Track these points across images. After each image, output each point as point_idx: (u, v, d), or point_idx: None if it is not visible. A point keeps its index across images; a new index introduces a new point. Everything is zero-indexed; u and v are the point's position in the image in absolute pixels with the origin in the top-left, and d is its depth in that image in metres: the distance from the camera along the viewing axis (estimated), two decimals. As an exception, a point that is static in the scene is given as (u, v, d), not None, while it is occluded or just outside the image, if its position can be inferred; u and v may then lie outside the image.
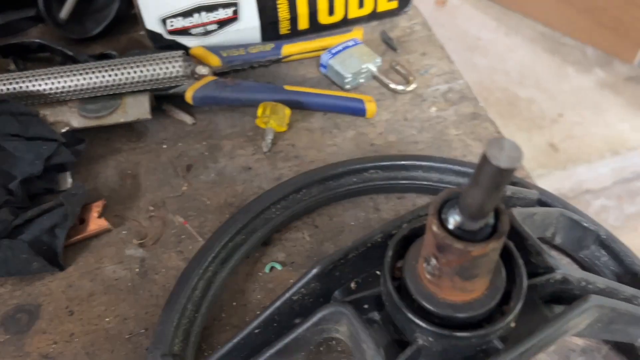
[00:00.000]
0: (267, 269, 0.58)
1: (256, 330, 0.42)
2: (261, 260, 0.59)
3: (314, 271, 0.39)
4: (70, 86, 0.65)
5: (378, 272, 0.42)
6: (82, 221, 0.61)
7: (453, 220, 0.32)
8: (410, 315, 0.35)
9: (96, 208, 0.62)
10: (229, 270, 0.56)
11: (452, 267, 0.33)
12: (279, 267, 0.58)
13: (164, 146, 0.68)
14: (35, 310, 0.56)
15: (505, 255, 0.38)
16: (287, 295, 0.40)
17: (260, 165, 0.66)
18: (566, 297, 0.40)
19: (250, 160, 0.67)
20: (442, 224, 0.32)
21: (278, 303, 0.40)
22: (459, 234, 0.32)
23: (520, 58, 2.15)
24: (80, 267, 0.59)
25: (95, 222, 0.61)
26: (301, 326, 0.39)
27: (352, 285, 0.41)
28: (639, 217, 1.84)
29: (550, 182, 2.01)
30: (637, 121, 2.01)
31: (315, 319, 0.38)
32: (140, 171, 0.66)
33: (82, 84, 0.65)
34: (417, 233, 0.39)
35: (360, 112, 0.70)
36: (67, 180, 0.64)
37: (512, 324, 0.36)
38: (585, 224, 0.54)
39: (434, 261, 0.33)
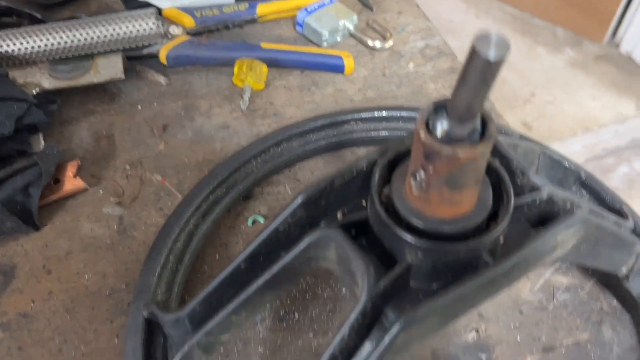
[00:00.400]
0: (249, 222, 0.57)
1: (242, 265, 0.41)
2: (243, 214, 0.58)
3: (300, 199, 0.38)
4: (40, 46, 0.63)
5: (364, 203, 0.41)
6: (57, 181, 0.59)
7: (440, 127, 0.31)
8: (399, 232, 0.34)
9: (71, 168, 0.60)
10: (211, 222, 0.55)
11: (440, 176, 0.32)
12: (261, 219, 0.58)
13: (139, 107, 0.67)
14: (11, 271, 0.54)
15: (492, 175, 0.37)
16: (273, 225, 0.39)
17: (239, 123, 0.65)
18: (553, 219, 0.40)
19: (228, 118, 0.66)
20: (430, 132, 0.32)
21: (264, 234, 0.39)
22: (447, 140, 0.31)
23: (491, 39, 2.17)
24: (56, 227, 0.57)
25: (71, 182, 0.59)
26: (289, 255, 0.38)
27: (339, 215, 0.40)
28: (611, 193, 1.86)
29: (524, 161, 2.04)
30: (607, 99, 2.04)
31: (303, 245, 0.38)
32: (114, 132, 0.64)
33: (52, 44, 0.63)
34: (401, 158, 0.38)
35: (338, 68, 0.69)
36: (40, 142, 0.62)
37: (501, 240, 0.36)
38: (566, 164, 0.54)
39: (422, 173, 0.33)
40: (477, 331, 0.50)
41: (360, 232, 0.39)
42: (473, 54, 0.27)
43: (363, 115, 0.61)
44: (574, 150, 1.96)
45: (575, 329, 0.51)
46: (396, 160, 0.39)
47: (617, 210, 0.53)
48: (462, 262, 0.35)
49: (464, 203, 0.35)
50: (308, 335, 0.50)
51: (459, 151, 0.30)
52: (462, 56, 0.29)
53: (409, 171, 0.35)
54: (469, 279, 0.34)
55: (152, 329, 0.48)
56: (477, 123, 0.32)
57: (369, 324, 0.35)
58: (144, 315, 0.48)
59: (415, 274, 0.36)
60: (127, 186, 0.60)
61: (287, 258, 0.38)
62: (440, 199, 0.34)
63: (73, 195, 0.59)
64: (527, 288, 0.53)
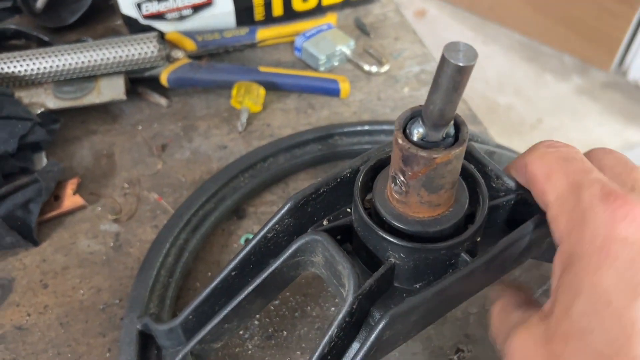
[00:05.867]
0: (241, 241, 0.58)
1: (233, 273, 0.41)
2: (236, 233, 0.59)
3: (287, 206, 0.39)
4: (45, 67, 0.65)
5: (349, 210, 0.42)
6: (57, 198, 0.60)
7: (416, 132, 0.32)
8: (382, 233, 0.35)
9: (71, 185, 0.61)
10: (200, 237, 0.56)
11: (418, 179, 0.33)
12: (255, 236, 0.58)
13: (139, 127, 0.68)
14: (9, 284, 0.55)
15: (468, 179, 0.38)
16: (262, 232, 0.40)
17: (235, 144, 0.67)
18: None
19: (226, 139, 0.67)
20: (407, 137, 0.33)
21: (254, 242, 0.40)
22: (422, 145, 0.32)
23: (498, 66, 2.19)
24: (54, 243, 0.58)
25: (70, 199, 0.60)
26: (278, 260, 0.39)
27: (325, 222, 0.41)
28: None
29: (533, 188, 2.03)
30: (614, 126, 2.04)
31: (291, 250, 0.38)
32: (115, 151, 0.66)
33: (57, 66, 0.65)
34: (382, 165, 0.39)
35: (334, 92, 0.71)
36: (43, 160, 0.64)
37: (478, 238, 0.37)
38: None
39: (400, 177, 0.34)
40: (463, 352, 0.50)
41: (345, 238, 0.40)
42: (443, 61, 0.28)
43: (346, 130, 0.63)
44: (582, 178, 1.94)
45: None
46: (378, 168, 0.39)
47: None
48: (442, 261, 0.36)
49: (442, 205, 0.35)
50: (296, 354, 0.50)
51: (434, 155, 0.31)
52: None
53: (390, 175, 0.36)
54: (449, 276, 0.35)
55: (145, 342, 0.48)
56: (451, 128, 0.33)
57: (355, 323, 0.36)
58: (137, 328, 0.48)
59: (399, 274, 0.37)
60: (124, 204, 0.61)
61: (276, 264, 0.39)
62: (419, 201, 0.34)
63: (72, 212, 0.60)
64: (519, 304, 0.53)
